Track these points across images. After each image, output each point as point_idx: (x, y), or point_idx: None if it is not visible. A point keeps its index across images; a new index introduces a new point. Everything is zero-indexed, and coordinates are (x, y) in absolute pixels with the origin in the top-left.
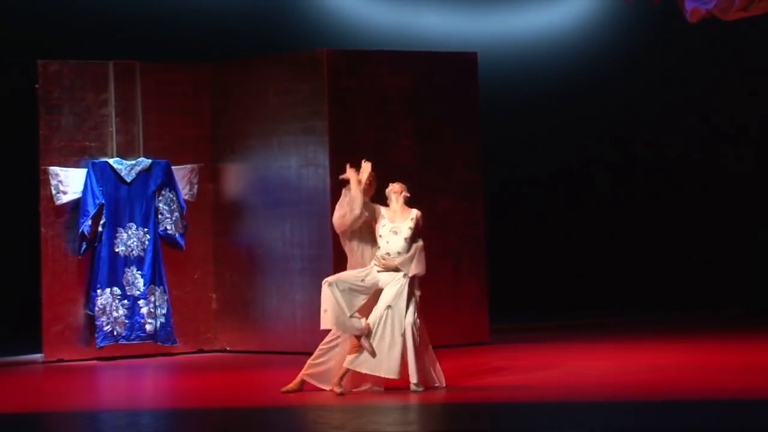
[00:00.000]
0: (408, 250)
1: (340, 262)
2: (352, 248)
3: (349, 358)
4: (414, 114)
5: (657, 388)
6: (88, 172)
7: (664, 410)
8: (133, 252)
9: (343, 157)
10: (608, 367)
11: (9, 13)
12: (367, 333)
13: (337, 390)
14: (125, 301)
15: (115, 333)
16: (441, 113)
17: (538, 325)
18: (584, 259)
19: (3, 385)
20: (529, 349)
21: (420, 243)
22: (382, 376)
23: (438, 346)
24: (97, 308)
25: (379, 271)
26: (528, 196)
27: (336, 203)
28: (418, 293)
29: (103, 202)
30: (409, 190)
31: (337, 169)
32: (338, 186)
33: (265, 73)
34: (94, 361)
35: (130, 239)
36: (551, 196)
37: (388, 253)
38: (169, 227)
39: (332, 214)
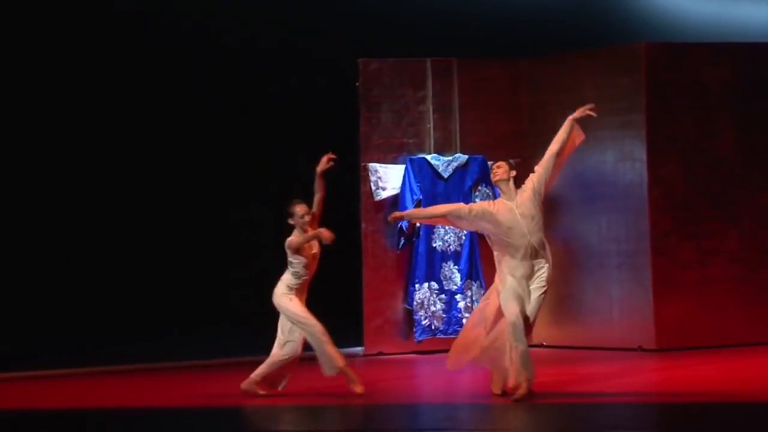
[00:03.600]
0: None
1: (658, 258)
2: None
3: None
4: (735, 107)
5: None
6: (406, 168)
7: None
8: (450, 247)
9: (660, 151)
10: None
11: (332, 13)
12: None
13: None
14: (442, 296)
15: (432, 327)
16: (762, 106)
17: None
18: None
19: (325, 376)
20: None
21: None
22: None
23: (761, 342)
24: (415, 303)
25: None
26: None
27: (653, 199)
28: None
29: (421, 197)
30: (729, 184)
31: (654, 163)
32: (655, 180)
33: (582, 67)
34: (413, 355)
35: (447, 234)
36: None
37: None
38: None
39: (649, 210)
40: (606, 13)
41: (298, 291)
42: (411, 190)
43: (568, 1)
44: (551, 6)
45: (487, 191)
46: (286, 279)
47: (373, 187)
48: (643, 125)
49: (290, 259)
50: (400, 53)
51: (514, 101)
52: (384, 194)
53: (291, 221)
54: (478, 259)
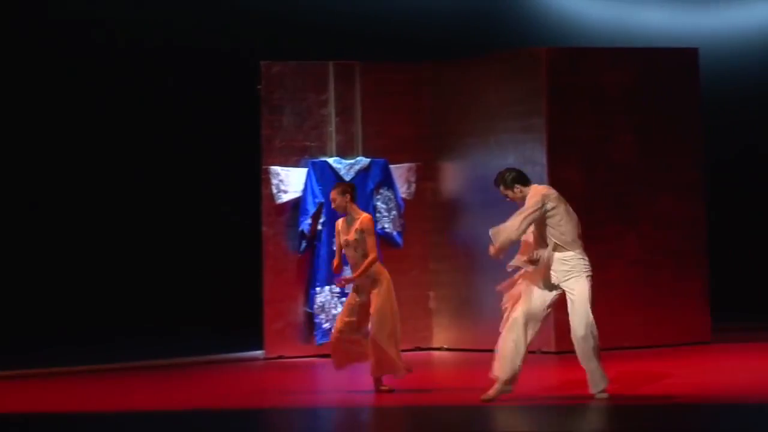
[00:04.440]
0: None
1: None
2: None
3: None
4: (633, 111)
5: None
6: (308, 171)
7: None
8: None
9: (560, 154)
10: None
11: (233, 15)
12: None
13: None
14: (343, 299)
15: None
16: (661, 110)
17: (762, 324)
18: None
19: (226, 380)
20: (751, 349)
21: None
22: None
23: (659, 345)
24: (316, 306)
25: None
26: (752, 194)
27: None
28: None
29: (323, 200)
30: (628, 188)
31: (554, 166)
32: (555, 183)
33: (484, 72)
34: (313, 358)
35: None
36: None
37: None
38: (386, 225)
39: None
40: (508, 18)
41: (356, 284)
42: (312, 193)
43: (470, 5)
44: (454, 10)
45: (389, 194)
46: None
47: (275, 190)
48: (544, 129)
49: None
50: (303, 56)
51: (417, 105)
52: (285, 197)
53: None
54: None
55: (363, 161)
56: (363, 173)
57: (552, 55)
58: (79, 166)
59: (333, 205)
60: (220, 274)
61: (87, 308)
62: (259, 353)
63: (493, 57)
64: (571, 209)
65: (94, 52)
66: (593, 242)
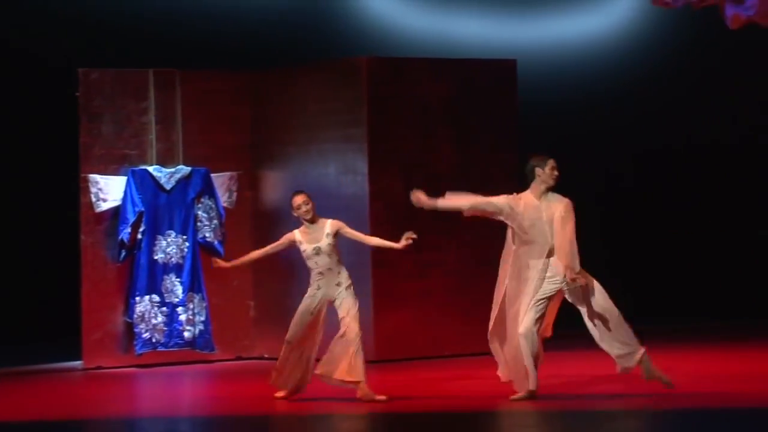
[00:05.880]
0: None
1: (378, 270)
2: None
3: None
4: (453, 122)
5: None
6: (127, 179)
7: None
8: (172, 259)
9: (381, 164)
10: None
11: (50, 21)
12: None
13: None
14: (164, 309)
15: (153, 340)
16: (480, 121)
17: (580, 332)
18: (638, 267)
19: (42, 392)
20: (571, 357)
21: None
22: None
23: (478, 353)
24: (135, 315)
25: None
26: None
27: (374, 211)
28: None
29: (143, 209)
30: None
31: (375, 176)
32: (376, 193)
33: (305, 81)
34: (133, 368)
35: (169, 246)
36: (591, 203)
37: None
38: (207, 235)
39: (370, 222)
40: (330, 27)
41: (319, 288)
42: (133, 201)
43: (293, 14)
44: (276, 19)
45: (210, 203)
46: None
47: (94, 199)
48: (365, 138)
49: None
50: (122, 64)
51: (238, 113)
52: (105, 206)
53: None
54: (200, 272)
55: (184, 170)
56: (184, 182)
57: (372, 64)
58: None
59: (298, 211)
60: (37, 284)
61: None
62: (77, 364)
63: (314, 66)
64: None
65: None
66: (413, 251)
